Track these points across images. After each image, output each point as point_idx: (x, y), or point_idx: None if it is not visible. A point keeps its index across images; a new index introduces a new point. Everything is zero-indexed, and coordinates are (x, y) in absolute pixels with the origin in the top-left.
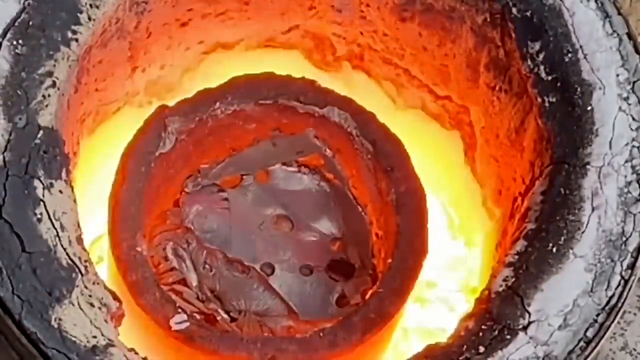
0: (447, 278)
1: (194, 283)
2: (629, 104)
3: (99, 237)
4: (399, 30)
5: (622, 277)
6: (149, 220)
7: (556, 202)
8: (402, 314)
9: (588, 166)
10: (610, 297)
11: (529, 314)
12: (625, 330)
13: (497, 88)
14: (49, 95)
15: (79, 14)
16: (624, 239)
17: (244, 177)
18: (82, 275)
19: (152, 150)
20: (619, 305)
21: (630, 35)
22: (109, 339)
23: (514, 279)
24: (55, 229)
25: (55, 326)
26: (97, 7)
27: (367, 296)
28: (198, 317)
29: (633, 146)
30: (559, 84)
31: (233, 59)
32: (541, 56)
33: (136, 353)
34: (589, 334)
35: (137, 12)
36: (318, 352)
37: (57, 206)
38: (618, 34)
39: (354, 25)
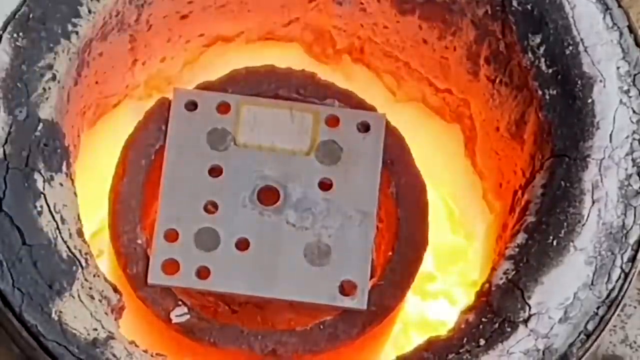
0: (447, 271)
1: None
2: (630, 97)
3: (99, 230)
4: (399, 23)
5: (623, 270)
6: (149, 213)
7: (556, 195)
8: (403, 307)
9: (588, 159)
10: (611, 290)
11: (530, 307)
12: (626, 323)
13: (497, 81)
14: (49, 88)
15: (79, 7)
16: (624, 231)
17: None
18: (82, 268)
19: (152, 143)
20: (620, 298)
21: (630, 28)
22: (109, 332)
23: (514, 272)
24: (55, 221)
25: (56, 319)
26: (98, 0)
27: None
28: (198, 309)
29: (633, 139)
30: (559, 77)
31: (233, 51)
32: (542, 49)
33: (137, 345)
34: (590, 327)
35: (137, 4)
36: (318, 345)
37: (57, 199)
38: (619, 27)
39: (354, 18)
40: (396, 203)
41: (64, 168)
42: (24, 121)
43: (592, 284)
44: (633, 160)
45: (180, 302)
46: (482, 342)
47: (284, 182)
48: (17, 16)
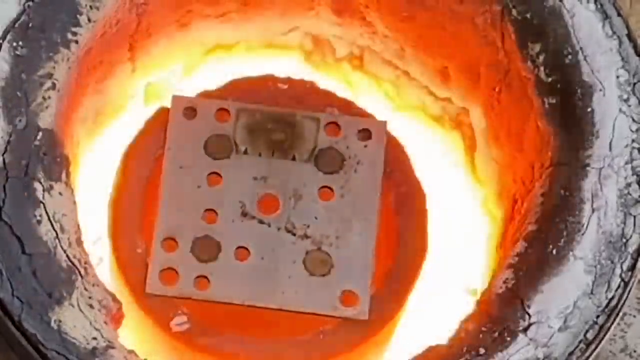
0: (447, 279)
1: None
2: (629, 106)
3: (99, 238)
4: (399, 30)
5: (622, 279)
6: (149, 221)
7: (556, 203)
8: (403, 315)
9: (588, 168)
10: (610, 299)
11: (529, 315)
12: (626, 332)
13: (497, 89)
14: (49, 97)
15: (78, 16)
16: (624, 240)
17: None
18: (82, 276)
19: (152, 151)
20: (619, 307)
21: (630, 37)
22: (109, 341)
23: (514, 281)
24: (55, 230)
25: (55, 328)
26: (97, 8)
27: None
28: (198, 314)
29: (633, 148)
30: (559, 86)
31: (233, 60)
32: (541, 58)
33: (136, 355)
34: (589, 335)
35: (137, 13)
36: (319, 352)
37: (57, 208)
38: (618, 35)
39: (354, 26)
40: (396, 211)
41: (63, 177)
42: (23, 130)
43: (591, 292)
44: (633, 168)
45: (180, 309)
46: (481, 351)
47: (284, 190)
48: (16, 25)
